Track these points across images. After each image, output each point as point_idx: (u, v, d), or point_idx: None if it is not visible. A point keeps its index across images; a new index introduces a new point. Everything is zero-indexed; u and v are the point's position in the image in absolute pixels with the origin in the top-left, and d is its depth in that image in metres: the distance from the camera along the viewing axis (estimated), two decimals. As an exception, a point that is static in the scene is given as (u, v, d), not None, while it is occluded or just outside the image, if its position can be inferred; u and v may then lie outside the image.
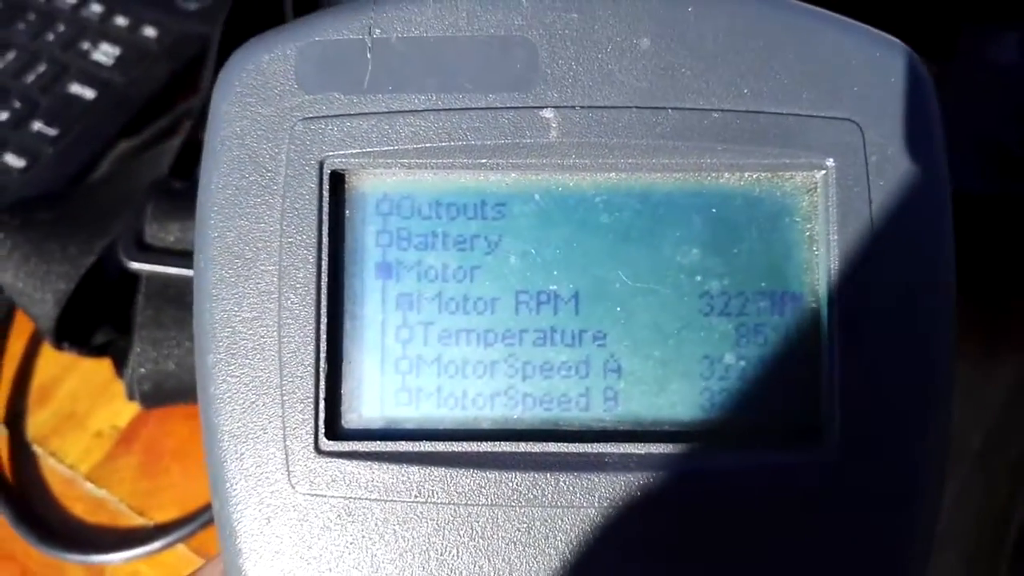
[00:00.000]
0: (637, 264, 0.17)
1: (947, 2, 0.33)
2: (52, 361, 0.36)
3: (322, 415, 0.16)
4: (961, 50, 0.32)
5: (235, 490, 0.17)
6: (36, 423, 0.35)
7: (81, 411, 0.35)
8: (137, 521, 0.33)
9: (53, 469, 0.34)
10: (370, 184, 0.17)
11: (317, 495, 0.16)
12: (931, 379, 0.16)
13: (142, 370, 0.31)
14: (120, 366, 0.34)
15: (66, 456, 0.34)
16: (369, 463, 0.16)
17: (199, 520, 0.31)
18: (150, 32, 0.44)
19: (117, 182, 0.37)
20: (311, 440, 0.16)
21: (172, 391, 0.31)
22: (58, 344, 0.33)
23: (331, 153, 0.17)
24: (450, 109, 0.17)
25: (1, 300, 0.36)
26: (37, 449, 0.35)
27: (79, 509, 0.33)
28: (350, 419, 0.17)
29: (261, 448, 0.17)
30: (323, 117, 0.17)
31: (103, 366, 0.35)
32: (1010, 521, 0.29)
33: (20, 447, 0.34)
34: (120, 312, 0.33)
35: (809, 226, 0.17)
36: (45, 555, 0.32)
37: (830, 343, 0.16)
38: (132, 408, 0.35)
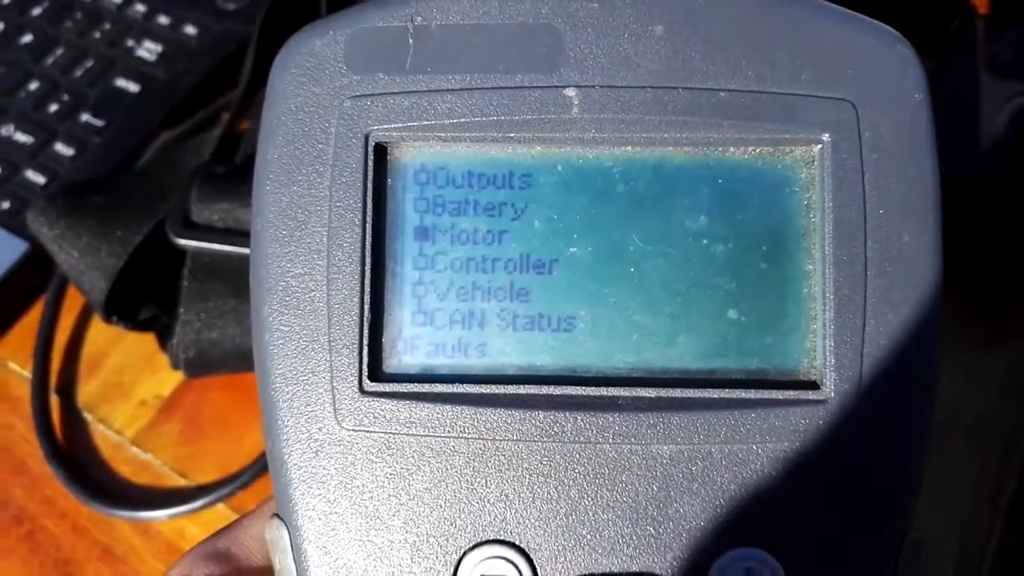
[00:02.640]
0: (650, 229, 0.19)
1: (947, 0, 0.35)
2: (100, 334, 0.38)
3: (366, 360, 0.18)
4: (961, 47, 0.33)
5: (286, 427, 0.18)
6: (86, 392, 0.37)
7: (127, 381, 0.37)
8: (180, 482, 0.35)
9: (102, 434, 0.36)
10: (410, 156, 0.19)
11: (361, 431, 0.18)
12: (919, 331, 0.18)
13: (187, 339, 0.33)
14: (164, 339, 0.36)
15: (114, 422, 0.36)
16: (408, 402, 0.18)
17: (238, 481, 0.33)
18: (191, 30, 0.46)
19: (160, 169, 0.40)
20: (356, 382, 0.18)
21: (215, 359, 0.33)
22: (107, 318, 0.35)
23: (375, 128, 0.19)
24: (482, 88, 0.19)
25: (56, 276, 0.38)
26: (87, 416, 0.37)
27: (126, 471, 0.35)
28: (390, 364, 0.19)
29: (311, 389, 0.18)
30: (369, 95, 0.19)
31: (147, 340, 0.37)
32: (1002, 490, 0.30)
33: (71, 414, 0.37)
34: (164, 289, 0.35)
35: (807, 195, 0.19)
36: (96, 511, 0.34)
37: (825, 300, 0.18)
38: (174, 379, 0.37)
